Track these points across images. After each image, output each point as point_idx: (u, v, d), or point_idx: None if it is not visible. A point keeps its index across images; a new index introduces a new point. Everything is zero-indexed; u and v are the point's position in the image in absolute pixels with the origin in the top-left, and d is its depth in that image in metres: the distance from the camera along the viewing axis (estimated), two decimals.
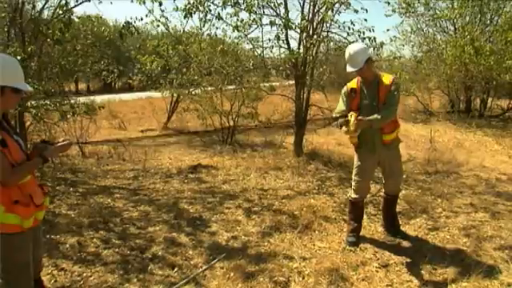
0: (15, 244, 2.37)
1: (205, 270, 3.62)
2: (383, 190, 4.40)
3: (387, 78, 3.93)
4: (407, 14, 13.65)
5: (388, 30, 22.38)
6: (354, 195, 4.16)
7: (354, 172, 4.14)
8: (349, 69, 3.85)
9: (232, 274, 3.51)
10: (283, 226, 4.51)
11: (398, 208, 5.06)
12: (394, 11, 12.53)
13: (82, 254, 3.90)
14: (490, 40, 13.14)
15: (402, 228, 4.46)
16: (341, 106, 3.99)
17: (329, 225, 4.58)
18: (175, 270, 3.63)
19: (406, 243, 4.17)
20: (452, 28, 14.90)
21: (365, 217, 4.78)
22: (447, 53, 13.51)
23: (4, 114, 2.42)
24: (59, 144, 2.55)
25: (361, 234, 4.29)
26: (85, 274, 3.54)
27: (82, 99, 7.43)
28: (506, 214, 4.94)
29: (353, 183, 4.17)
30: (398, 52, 16.86)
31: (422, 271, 3.61)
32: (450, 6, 13.20)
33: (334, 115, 4.03)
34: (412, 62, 15.91)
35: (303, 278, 3.48)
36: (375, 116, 3.74)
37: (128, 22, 5.85)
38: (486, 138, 10.33)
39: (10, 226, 2.31)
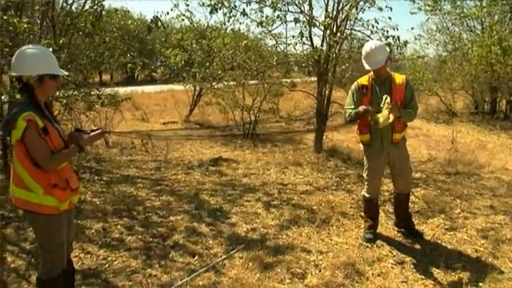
0: (52, 225, 2.52)
1: (224, 259, 3.73)
2: (394, 190, 4.42)
3: (399, 78, 3.99)
4: (433, 12, 13.47)
5: (412, 29, 21.94)
6: (366, 194, 4.22)
7: (365, 172, 4.18)
8: (368, 66, 3.86)
9: (250, 264, 3.62)
10: (301, 220, 4.60)
11: (416, 207, 5.12)
12: (419, 9, 12.38)
13: (106, 239, 4.07)
14: None
15: (420, 227, 4.49)
16: (350, 102, 4.00)
17: (346, 220, 4.65)
18: (195, 258, 3.76)
19: (422, 242, 4.19)
20: (479, 27, 14.64)
21: (382, 214, 4.85)
22: (473, 52, 13.30)
23: (45, 102, 2.58)
24: (93, 133, 2.70)
25: (378, 231, 4.34)
26: (109, 258, 3.70)
27: (107, 90, 7.64)
28: None
29: (365, 181, 4.23)
30: (422, 51, 16.71)
31: (438, 270, 3.64)
32: (479, 4, 12.95)
33: (346, 112, 4.03)
34: (435, 62, 15.67)
35: (319, 271, 3.56)
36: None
37: (156, 16, 6.00)
38: (510, 140, 10.17)
39: (48, 207, 2.46)
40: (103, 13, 6.06)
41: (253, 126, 9.06)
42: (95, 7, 5.72)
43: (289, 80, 10.07)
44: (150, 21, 6.13)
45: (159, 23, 5.99)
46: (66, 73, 2.71)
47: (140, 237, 4.15)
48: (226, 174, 6.39)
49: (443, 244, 4.17)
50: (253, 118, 9.04)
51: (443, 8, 13.41)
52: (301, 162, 6.98)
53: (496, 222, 4.74)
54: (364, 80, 4.00)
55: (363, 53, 3.90)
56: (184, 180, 6.07)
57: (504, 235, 4.37)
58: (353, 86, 4.02)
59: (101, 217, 4.59)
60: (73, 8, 6.24)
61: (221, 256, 3.80)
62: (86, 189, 5.47)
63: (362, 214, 4.59)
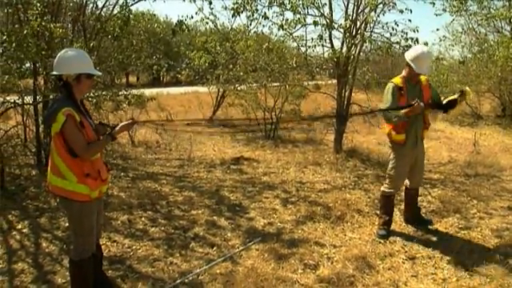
0: (84, 211, 2.78)
1: (241, 250, 3.93)
2: (408, 185, 4.54)
3: (423, 79, 4.19)
4: (458, 13, 13.33)
5: (438, 30, 21.73)
6: (388, 190, 4.36)
7: (393, 168, 4.28)
8: (419, 70, 3.96)
9: (266, 255, 3.81)
10: (317, 216, 4.76)
11: (432, 207, 5.23)
12: (444, 10, 12.29)
13: (131, 230, 4.33)
14: None
15: (434, 226, 4.60)
16: (392, 101, 4.05)
17: (361, 218, 4.78)
18: (214, 248, 3.98)
19: (435, 238, 4.29)
20: (508, 28, 14.40)
21: (397, 212, 4.95)
22: (498, 54, 13.10)
23: (81, 100, 2.87)
24: (124, 123, 2.94)
25: (392, 227, 4.47)
26: (134, 247, 3.95)
27: (134, 91, 7.96)
28: None
29: (388, 179, 4.35)
30: (447, 52, 16.51)
31: (448, 266, 3.74)
32: (507, 4, 12.76)
33: (390, 113, 4.08)
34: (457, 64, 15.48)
35: (332, 263, 3.72)
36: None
37: (181, 20, 6.26)
38: None
39: (80, 194, 2.72)
40: (131, 17, 6.36)
41: (274, 126, 9.24)
42: (123, 12, 6.01)
43: (312, 82, 10.17)
44: (174, 25, 6.39)
45: (183, 26, 6.24)
46: (100, 73, 2.98)
47: (163, 228, 4.40)
48: (246, 173, 6.60)
49: (456, 242, 4.24)
50: (274, 118, 9.22)
51: (469, 9, 13.26)
52: (320, 161, 7.13)
53: (511, 223, 4.78)
54: (398, 81, 4.10)
55: (415, 55, 3.98)
56: (206, 177, 6.31)
57: None
58: (391, 87, 4.08)
59: (126, 209, 4.87)
60: (102, 13, 6.58)
61: (238, 247, 4.00)
62: (112, 184, 5.76)
63: (378, 211, 4.73)
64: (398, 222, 4.68)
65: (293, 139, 9.25)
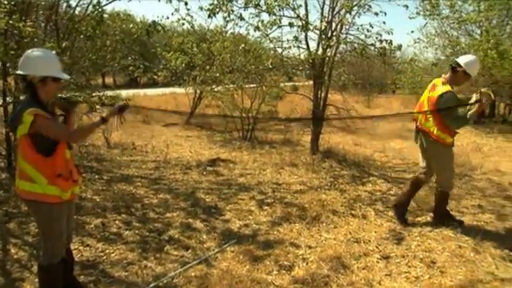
0: (54, 214, 2.71)
1: (216, 252, 3.91)
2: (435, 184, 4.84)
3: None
4: (431, 17, 13.60)
5: (412, 32, 22.19)
6: (449, 189, 4.69)
7: (445, 172, 4.60)
8: (473, 74, 4.47)
9: (241, 257, 3.79)
10: (293, 217, 4.77)
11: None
12: (418, 14, 12.53)
13: (105, 234, 4.25)
14: None
15: (409, 225, 4.69)
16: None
17: (336, 218, 4.81)
18: (189, 251, 3.94)
19: (409, 237, 4.36)
20: (478, 31, 14.77)
21: (372, 212, 5.03)
22: None
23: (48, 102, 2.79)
24: (116, 106, 2.82)
25: (367, 227, 4.55)
26: (107, 251, 3.88)
27: (109, 93, 7.83)
28: None
29: (448, 179, 4.63)
30: (422, 54, 16.84)
31: (421, 264, 3.80)
32: (477, 8, 13.10)
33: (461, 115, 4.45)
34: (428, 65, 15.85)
35: (306, 264, 3.73)
36: None
37: (154, 21, 6.18)
38: (506, 143, 10.31)
39: (51, 196, 2.65)
40: (105, 16, 6.25)
41: (251, 127, 9.23)
42: (96, 12, 5.91)
43: (289, 83, 10.22)
44: (148, 25, 6.32)
45: (158, 27, 6.17)
46: (68, 77, 2.88)
47: (137, 231, 4.33)
48: (222, 174, 6.57)
49: (429, 240, 4.31)
50: (251, 120, 9.21)
51: (442, 12, 13.56)
52: (296, 162, 7.15)
53: (482, 221, 4.89)
54: (451, 87, 4.38)
55: (470, 61, 4.38)
56: (182, 179, 6.25)
57: (488, 232, 4.53)
58: (453, 94, 4.34)
59: (100, 213, 4.77)
60: (76, 12, 6.45)
61: (213, 250, 3.97)
62: (86, 187, 5.66)
63: (354, 212, 4.86)
64: (373, 222, 4.74)
65: (270, 140, 9.28)
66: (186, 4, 7.26)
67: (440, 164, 4.57)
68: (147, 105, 14.67)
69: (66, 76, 2.79)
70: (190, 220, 4.68)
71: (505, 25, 13.77)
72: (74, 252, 3.67)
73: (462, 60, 4.40)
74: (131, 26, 8.86)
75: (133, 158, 7.54)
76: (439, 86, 4.41)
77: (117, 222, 4.57)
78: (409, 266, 3.77)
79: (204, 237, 4.26)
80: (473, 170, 7.22)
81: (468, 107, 4.46)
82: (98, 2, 5.92)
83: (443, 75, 4.58)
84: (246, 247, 3.99)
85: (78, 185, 2.89)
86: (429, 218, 4.88)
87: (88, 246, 3.97)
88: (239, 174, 6.62)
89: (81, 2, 6.45)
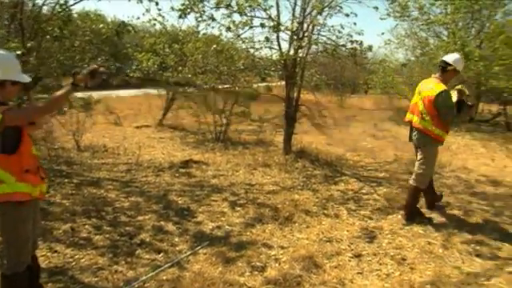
0: (22, 215, 2.61)
1: (189, 255, 3.87)
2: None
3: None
4: (401, 19, 13.87)
5: (383, 34, 22.56)
6: (423, 186, 4.90)
7: (428, 167, 4.85)
8: (461, 68, 4.81)
9: (213, 259, 3.77)
10: (265, 218, 4.77)
11: (378, 205, 5.38)
12: (388, 15, 12.75)
13: (74, 239, 4.14)
14: (481, 46, 13.41)
15: (379, 223, 4.78)
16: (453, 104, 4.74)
17: (309, 218, 4.84)
18: (161, 254, 3.88)
19: (380, 236, 4.43)
20: (445, 33, 15.17)
21: (345, 211, 5.09)
22: (438, 57, 13.75)
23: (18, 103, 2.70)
24: (88, 69, 2.65)
25: (340, 227, 4.63)
26: (76, 256, 3.78)
27: (79, 94, 7.66)
28: (479, 212, 5.21)
29: (422, 177, 4.84)
30: (392, 55, 17.19)
31: (392, 261, 3.87)
32: (444, 11, 13.45)
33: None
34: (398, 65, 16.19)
35: (279, 264, 3.74)
36: None
37: (123, 22, 6.08)
38: (473, 141, 10.60)
39: (21, 193, 2.56)
40: (74, 16, 6.11)
41: (224, 129, 9.20)
42: (62, 12, 5.77)
43: (263, 84, 10.23)
44: (117, 25, 6.21)
45: (129, 28, 6.07)
46: (29, 79, 2.75)
47: (107, 236, 4.24)
48: (195, 176, 6.51)
49: (400, 238, 4.41)
50: (224, 121, 9.17)
51: (411, 14, 13.84)
52: (269, 163, 7.16)
53: (450, 217, 5.05)
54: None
55: (456, 59, 4.71)
56: (154, 181, 6.17)
57: (455, 228, 4.66)
58: (448, 92, 4.62)
59: (69, 218, 4.65)
60: (44, 11, 6.27)
61: (185, 252, 3.93)
62: (55, 191, 5.51)
63: (326, 211, 4.88)
64: (346, 221, 4.79)
65: (243, 141, 9.26)
66: (157, 4, 7.16)
67: (426, 160, 4.82)
68: (119, 107, 14.52)
69: (26, 78, 2.68)
70: (162, 223, 4.62)
71: (470, 27, 14.17)
72: (41, 259, 3.59)
73: (450, 59, 4.70)
74: (101, 26, 8.70)
75: (104, 161, 7.39)
76: (433, 86, 4.64)
77: (87, 226, 4.46)
78: (380, 264, 3.83)
79: (176, 239, 4.22)
80: (442, 167, 7.39)
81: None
82: (66, 2, 5.79)
83: (433, 75, 4.82)
84: (218, 249, 3.97)
85: (45, 183, 2.81)
86: (399, 216, 4.97)
87: (56, 252, 3.86)
88: (212, 175, 6.58)
89: (47, 1, 6.28)
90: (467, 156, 8.74)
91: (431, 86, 4.65)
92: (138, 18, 7.10)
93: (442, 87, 4.57)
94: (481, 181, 6.68)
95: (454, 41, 13.37)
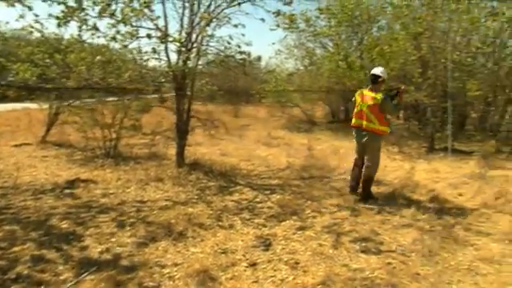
0: None
1: (73, 283, 3.55)
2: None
3: None
4: (290, 30, 14.50)
5: (273, 44, 23.56)
6: (375, 173, 6.19)
7: (378, 158, 6.12)
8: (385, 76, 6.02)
9: (102, 285, 3.50)
10: (158, 236, 4.57)
11: (271, 212, 5.47)
12: (277, 26, 13.24)
13: None
14: (362, 57, 14.55)
15: (273, 230, 4.85)
16: (392, 103, 5.95)
17: (203, 231, 4.75)
18: (42, 287, 3.51)
19: (275, 243, 4.48)
20: (331, 44, 16.24)
21: (239, 221, 5.10)
22: (325, 67, 14.70)
23: None
24: None
25: (235, 237, 4.61)
26: None
27: None
28: (363, 210, 5.57)
29: (375, 167, 6.11)
30: (283, 65, 17.94)
31: (286, 266, 3.94)
32: (328, 24, 14.35)
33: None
34: (296, 76, 16.93)
35: (173, 282, 3.59)
36: None
37: None
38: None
39: None
40: None
41: (114, 144, 8.74)
42: None
43: (153, 96, 9.91)
44: None
45: None
46: None
47: None
48: (82, 196, 6.03)
49: (293, 243, 4.51)
50: (114, 135, 8.71)
51: (299, 26, 14.56)
52: (162, 177, 6.93)
53: (339, 218, 5.29)
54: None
55: (383, 71, 6.02)
56: (34, 206, 5.58)
57: (344, 228, 4.92)
58: (385, 97, 5.81)
59: None
60: None
61: (71, 281, 3.60)
62: None
63: (221, 223, 4.90)
64: (240, 231, 4.79)
65: (135, 155, 8.86)
66: (30, 9, 6.56)
67: (375, 153, 6.04)
68: None
69: None
70: (43, 251, 4.17)
71: (351, 39, 15.33)
72: None
73: (378, 71, 5.93)
74: None
75: None
76: (374, 96, 5.80)
77: None
78: (275, 270, 3.87)
79: (60, 268, 3.83)
80: (331, 171, 7.81)
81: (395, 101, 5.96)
82: None
83: (370, 86, 5.99)
84: (107, 273, 3.69)
85: None
86: (292, 221, 5.11)
87: None
88: (101, 194, 6.16)
89: None
90: (351, 158, 9.32)
91: (372, 96, 5.82)
92: (7, 23, 6.41)
93: (380, 95, 5.78)
94: None
95: (338, 51, 14.37)
